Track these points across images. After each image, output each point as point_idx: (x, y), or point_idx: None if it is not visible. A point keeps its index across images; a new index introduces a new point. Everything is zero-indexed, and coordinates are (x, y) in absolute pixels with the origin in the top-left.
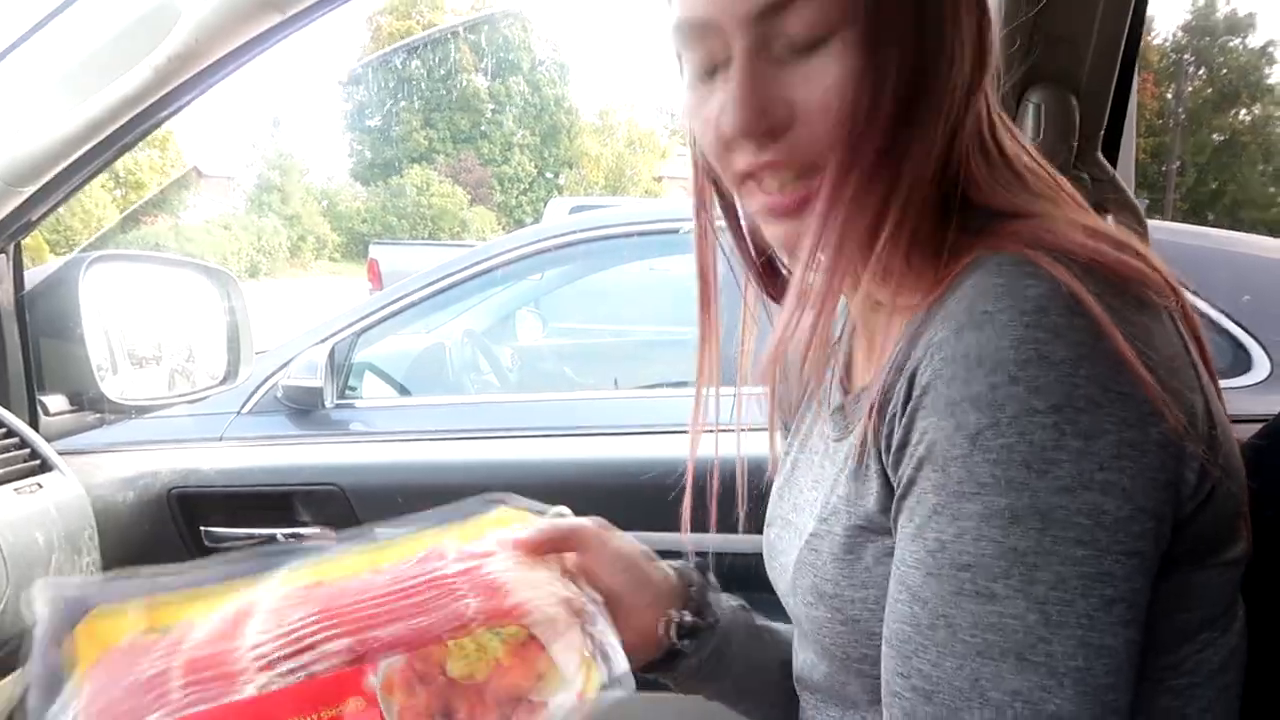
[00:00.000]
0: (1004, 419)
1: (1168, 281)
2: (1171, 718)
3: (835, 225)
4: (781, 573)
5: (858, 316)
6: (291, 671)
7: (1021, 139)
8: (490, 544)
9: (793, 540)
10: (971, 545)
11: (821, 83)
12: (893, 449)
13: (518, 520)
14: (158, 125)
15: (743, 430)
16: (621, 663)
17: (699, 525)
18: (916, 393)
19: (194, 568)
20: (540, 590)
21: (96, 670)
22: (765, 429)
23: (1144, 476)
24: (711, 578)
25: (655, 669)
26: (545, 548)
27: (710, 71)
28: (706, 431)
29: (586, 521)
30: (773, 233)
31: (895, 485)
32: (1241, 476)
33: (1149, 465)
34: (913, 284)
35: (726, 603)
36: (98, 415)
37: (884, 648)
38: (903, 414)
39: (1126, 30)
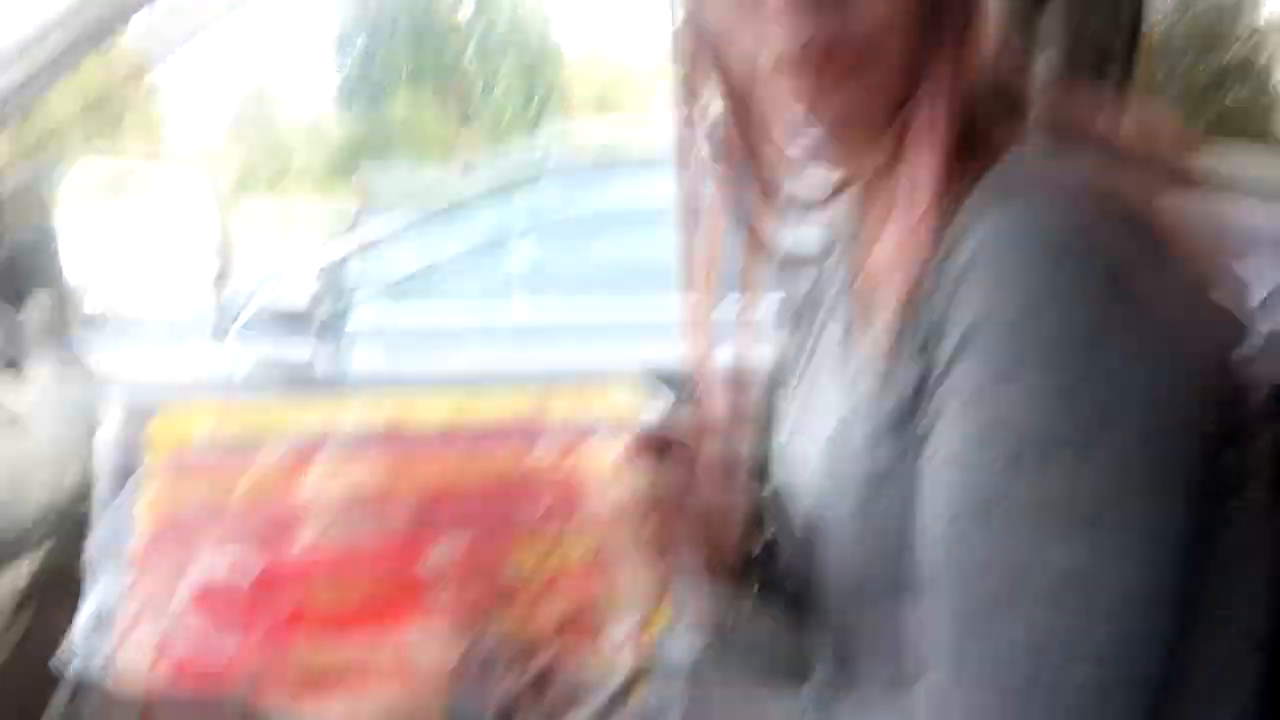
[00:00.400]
0: (1045, 298)
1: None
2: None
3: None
4: (794, 480)
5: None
6: (348, 528)
7: None
8: (592, 421)
9: (808, 446)
10: (1023, 418)
11: None
12: (925, 337)
13: (629, 399)
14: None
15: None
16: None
17: None
18: (953, 276)
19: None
20: (621, 509)
21: (162, 471)
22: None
23: (1184, 376)
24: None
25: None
26: (650, 453)
27: None
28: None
29: (688, 421)
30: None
31: (928, 375)
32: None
33: (1191, 365)
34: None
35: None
36: (75, 326)
37: (923, 540)
38: (934, 301)
39: None
